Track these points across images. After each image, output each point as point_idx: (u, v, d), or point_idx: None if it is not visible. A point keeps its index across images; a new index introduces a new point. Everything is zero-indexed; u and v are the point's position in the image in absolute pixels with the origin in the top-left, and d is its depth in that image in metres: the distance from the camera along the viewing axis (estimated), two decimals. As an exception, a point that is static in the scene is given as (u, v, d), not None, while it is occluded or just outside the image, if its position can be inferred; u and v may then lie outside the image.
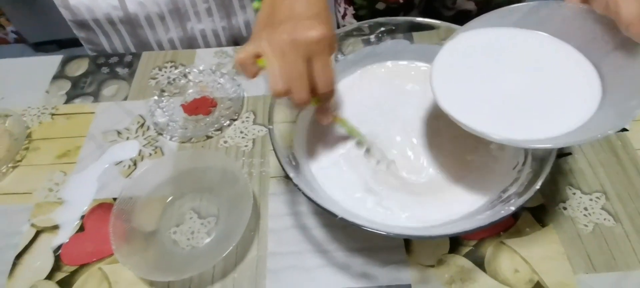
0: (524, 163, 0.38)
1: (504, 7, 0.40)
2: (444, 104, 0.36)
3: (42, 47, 1.81)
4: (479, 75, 0.38)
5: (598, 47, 0.36)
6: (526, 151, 0.39)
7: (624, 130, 0.50)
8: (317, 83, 0.36)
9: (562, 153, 0.49)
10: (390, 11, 0.72)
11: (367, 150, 0.44)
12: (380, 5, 0.71)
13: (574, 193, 0.46)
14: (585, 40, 0.37)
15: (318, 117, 0.41)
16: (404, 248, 0.43)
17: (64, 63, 0.64)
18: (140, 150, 0.53)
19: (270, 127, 0.40)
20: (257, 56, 0.35)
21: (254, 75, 0.36)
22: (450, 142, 0.44)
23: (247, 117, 0.56)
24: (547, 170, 0.33)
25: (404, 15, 0.72)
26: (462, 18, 0.68)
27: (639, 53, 0.33)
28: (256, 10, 0.39)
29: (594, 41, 0.36)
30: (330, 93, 0.37)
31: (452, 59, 0.39)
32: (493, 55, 0.39)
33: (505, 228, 0.44)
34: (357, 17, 0.74)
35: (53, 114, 0.58)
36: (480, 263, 0.42)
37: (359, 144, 0.45)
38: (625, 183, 0.46)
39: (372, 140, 0.44)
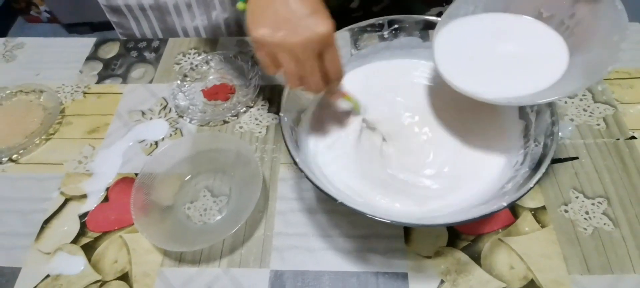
0: (522, 163, 0.39)
1: None
2: (446, 75, 0.42)
3: (74, 28, 1.88)
4: (471, 51, 0.44)
5: (561, 4, 0.41)
6: (526, 151, 0.40)
7: (633, 138, 0.50)
8: (329, 72, 0.39)
9: (569, 157, 0.49)
10: (363, 5, 0.71)
11: (372, 129, 0.47)
12: (355, 3, 0.71)
13: (577, 197, 0.46)
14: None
15: (328, 96, 0.45)
16: (403, 238, 0.45)
17: (97, 45, 0.69)
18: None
19: (282, 115, 0.43)
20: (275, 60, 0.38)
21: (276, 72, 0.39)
22: (457, 129, 0.46)
23: (262, 105, 0.59)
24: (542, 170, 0.35)
25: (376, 5, 0.72)
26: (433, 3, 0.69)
27: (601, 1, 0.38)
28: (242, 11, 0.40)
29: None
30: (340, 78, 0.41)
31: (449, 40, 0.44)
32: (481, 35, 0.45)
33: (504, 226, 0.45)
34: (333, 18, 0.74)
35: (85, 92, 0.62)
36: (476, 258, 0.43)
37: (355, 111, 0.48)
38: (629, 189, 0.46)
39: (374, 120, 0.47)
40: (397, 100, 0.49)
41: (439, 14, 0.49)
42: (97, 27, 1.83)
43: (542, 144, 0.38)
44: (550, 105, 0.39)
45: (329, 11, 0.37)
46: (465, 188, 0.40)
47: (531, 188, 0.34)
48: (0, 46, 0.70)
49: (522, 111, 0.44)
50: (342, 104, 0.48)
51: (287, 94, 0.44)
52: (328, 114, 0.48)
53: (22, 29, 1.97)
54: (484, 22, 0.45)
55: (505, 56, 0.43)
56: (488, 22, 0.45)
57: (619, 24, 0.37)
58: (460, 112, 0.46)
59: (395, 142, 0.46)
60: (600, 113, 0.53)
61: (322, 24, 0.35)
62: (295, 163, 0.38)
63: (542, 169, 0.35)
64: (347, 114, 0.48)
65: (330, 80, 0.39)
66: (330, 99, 0.44)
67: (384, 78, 0.51)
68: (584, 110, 0.53)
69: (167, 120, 0.58)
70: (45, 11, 1.92)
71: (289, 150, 0.39)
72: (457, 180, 0.42)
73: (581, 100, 0.55)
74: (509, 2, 0.44)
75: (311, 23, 0.35)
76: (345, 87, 0.45)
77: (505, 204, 0.33)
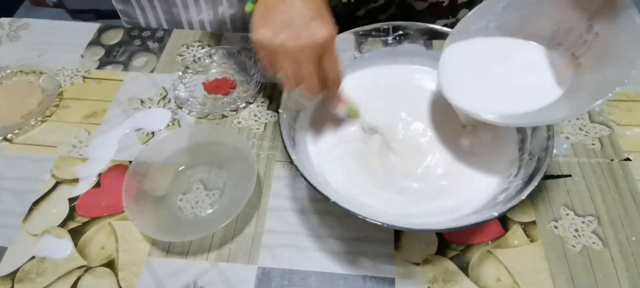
0: (516, 175, 0.39)
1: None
2: (448, 93, 0.43)
3: (79, 14, 1.87)
4: (475, 71, 0.44)
5: (579, 18, 0.40)
6: (520, 164, 0.40)
7: (627, 159, 0.50)
8: (328, 76, 0.39)
9: (562, 175, 0.50)
10: (369, 14, 0.72)
11: (371, 132, 0.47)
12: (361, 12, 0.71)
13: (568, 214, 0.47)
14: (566, 14, 0.41)
15: (328, 103, 0.44)
16: (393, 243, 0.45)
17: (101, 31, 0.69)
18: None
19: (281, 111, 0.43)
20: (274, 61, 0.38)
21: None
22: (455, 137, 0.46)
23: (262, 102, 0.59)
24: (534, 183, 0.35)
25: (383, 13, 0.73)
26: (434, 10, 0.67)
27: (619, 15, 0.37)
28: (249, 13, 0.39)
29: (575, 11, 0.40)
30: (338, 83, 0.41)
31: (454, 60, 0.44)
32: (486, 57, 0.45)
33: (494, 238, 0.45)
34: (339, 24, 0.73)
35: (85, 77, 0.62)
36: (464, 268, 0.43)
37: (353, 116, 0.47)
38: (620, 211, 0.46)
39: (373, 123, 0.47)
40: (397, 104, 0.50)
41: (445, 27, 0.50)
42: (103, 14, 1.83)
43: (536, 157, 0.38)
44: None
45: (333, 17, 0.37)
46: (460, 195, 0.41)
47: (522, 200, 0.34)
48: (5, 26, 0.70)
49: (520, 125, 0.44)
50: (341, 111, 0.47)
51: (289, 92, 0.44)
52: (328, 114, 0.48)
53: (27, 11, 1.96)
54: (490, 45, 0.46)
55: (507, 78, 0.43)
56: (494, 45, 0.45)
57: (636, 39, 0.36)
58: (458, 120, 0.46)
59: (393, 145, 0.46)
60: (596, 133, 0.53)
61: (322, 29, 0.35)
62: (291, 160, 0.38)
63: (534, 183, 0.35)
64: (346, 115, 0.49)
65: (328, 84, 0.40)
66: (328, 104, 0.45)
67: (386, 82, 0.52)
68: (580, 129, 0.54)
69: (167, 109, 0.58)
70: (53, -5, 1.92)
71: (285, 147, 0.39)
72: (452, 186, 0.42)
73: (578, 119, 0.55)
74: (524, 16, 0.44)
75: (312, 27, 0.35)
76: (345, 93, 0.45)
77: (496, 214, 0.33)
